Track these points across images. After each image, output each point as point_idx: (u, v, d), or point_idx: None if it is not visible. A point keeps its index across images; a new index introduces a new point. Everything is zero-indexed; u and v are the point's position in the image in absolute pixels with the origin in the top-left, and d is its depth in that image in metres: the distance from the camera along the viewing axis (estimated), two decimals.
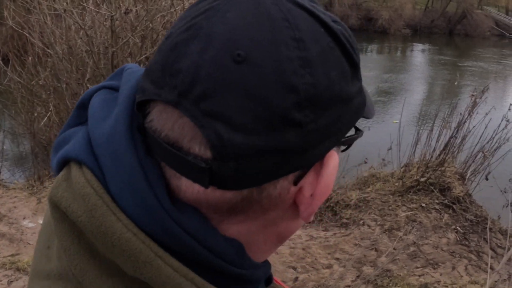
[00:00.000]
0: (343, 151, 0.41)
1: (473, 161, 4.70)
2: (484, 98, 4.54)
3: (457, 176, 4.65)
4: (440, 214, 4.20)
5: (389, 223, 3.95)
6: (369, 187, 4.65)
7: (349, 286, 3.07)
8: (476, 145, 4.59)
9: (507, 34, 28.90)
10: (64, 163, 0.38)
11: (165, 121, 0.34)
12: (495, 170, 4.50)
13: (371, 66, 16.43)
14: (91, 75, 4.65)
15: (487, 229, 3.78)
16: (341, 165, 4.65)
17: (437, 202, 4.34)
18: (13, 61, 5.12)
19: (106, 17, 4.41)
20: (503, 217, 4.39)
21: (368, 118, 0.40)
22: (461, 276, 3.45)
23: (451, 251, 3.74)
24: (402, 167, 4.86)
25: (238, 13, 0.32)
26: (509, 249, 3.47)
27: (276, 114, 0.32)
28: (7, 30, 6.45)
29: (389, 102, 10.39)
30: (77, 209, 0.34)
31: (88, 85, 4.58)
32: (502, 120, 4.43)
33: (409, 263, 3.46)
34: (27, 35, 4.91)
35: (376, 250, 3.56)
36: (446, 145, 4.55)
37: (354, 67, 0.37)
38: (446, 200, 4.36)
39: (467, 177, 4.80)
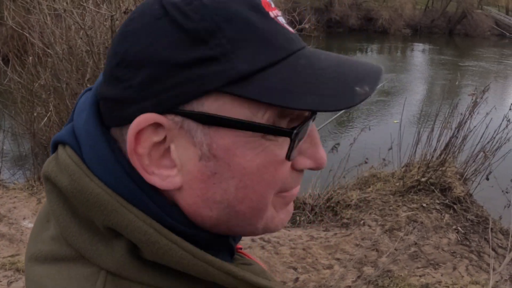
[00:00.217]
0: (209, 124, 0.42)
1: (473, 161, 4.69)
2: (485, 98, 4.53)
3: (457, 176, 4.64)
4: (441, 214, 4.19)
5: (390, 223, 3.94)
6: (369, 187, 4.64)
7: (349, 286, 3.07)
8: (477, 145, 4.58)
9: (507, 34, 28.89)
10: (55, 146, 0.48)
11: None
12: (495, 170, 4.50)
13: None
14: (91, 75, 4.64)
15: (489, 230, 3.77)
16: (342, 164, 4.65)
17: (438, 202, 4.33)
18: (13, 61, 5.12)
19: (106, 17, 4.40)
20: (504, 217, 4.39)
21: (241, 95, 0.40)
22: (462, 277, 3.44)
23: (452, 251, 3.73)
24: (402, 167, 4.85)
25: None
26: (511, 249, 3.46)
27: (108, 72, 0.44)
28: (7, 30, 6.45)
29: (389, 102, 10.38)
30: (62, 179, 0.44)
31: (88, 85, 4.58)
32: (503, 120, 4.41)
33: (410, 263, 3.45)
34: (27, 35, 4.91)
35: (377, 250, 3.55)
36: (446, 145, 4.54)
37: (189, 35, 0.40)
38: (447, 200, 4.35)
39: (467, 177, 4.79)
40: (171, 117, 0.42)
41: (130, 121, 0.42)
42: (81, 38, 4.67)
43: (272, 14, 0.43)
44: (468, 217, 4.24)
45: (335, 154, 4.78)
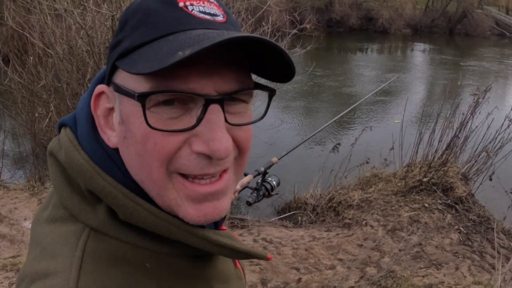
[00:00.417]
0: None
1: (475, 161, 4.68)
2: (487, 98, 4.52)
3: (459, 176, 4.63)
4: (443, 214, 4.18)
5: (392, 224, 3.93)
6: (371, 187, 4.63)
7: (352, 287, 3.05)
8: (479, 145, 4.57)
9: (508, 34, 28.87)
10: (59, 128, 0.58)
11: None
12: (497, 170, 4.48)
13: (372, 65, 16.41)
14: (91, 75, 4.63)
15: (494, 230, 3.76)
16: (343, 165, 4.64)
17: (440, 202, 4.32)
18: (13, 61, 5.10)
19: (107, 16, 4.38)
20: (507, 217, 4.38)
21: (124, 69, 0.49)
22: (465, 277, 3.42)
23: (454, 251, 3.72)
24: (404, 167, 4.83)
25: None
26: None
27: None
28: (7, 30, 6.44)
29: (390, 102, 10.37)
30: (61, 154, 0.54)
31: (89, 85, 4.55)
32: (505, 120, 4.40)
33: (412, 263, 3.43)
34: (28, 35, 4.89)
35: (379, 250, 3.53)
36: (448, 145, 4.53)
37: (119, 26, 0.53)
38: (449, 200, 4.34)
39: (469, 177, 4.78)
40: (111, 88, 0.53)
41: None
42: (82, 38, 4.65)
43: (182, 4, 0.49)
44: (470, 217, 4.23)
45: (336, 154, 4.76)
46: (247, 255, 0.57)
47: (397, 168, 4.92)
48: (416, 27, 28.30)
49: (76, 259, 0.49)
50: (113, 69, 0.52)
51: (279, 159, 1.54)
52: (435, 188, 4.42)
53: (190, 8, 0.49)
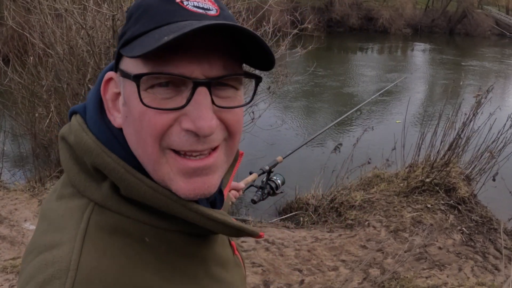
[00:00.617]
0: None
1: (478, 161, 4.65)
2: (489, 98, 4.49)
3: (462, 177, 4.60)
4: (446, 215, 4.16)
5: (395, 224, 3.90)
6: (373, 187, 4.61)
7: None
8: (481, 145, 4.54)
9: (508, 34, 28.86)
10: (70, 116, 0.64)
11: None
12: (499, 170, 4.46)
13: (373, 65, 16.39)
14: (92, 75, 4.60)
15: (497, 231, 3.74)
16: (345, 165, 4.62)
17: (443, 203, 4.30)
18: (13, 61, 5.08)
19: (107, 16, 4.36)
20: (509, 218, 4.35)
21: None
22: (468, 278, 3.40)
23: (457, 252, 3.70)
24: (406, 168, 4.81)
25: None
26: None
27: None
28: (7, 31, 6.41)
29: (391, 102, 10.34)
30: (70, 137, 0.60)
31: (89, 85, 4.54)
32: (507, 120, 4.37)
33: (415, 264, 3.41)
34: (28, 35, 4.86)
35: (382, 251, 3.51)
36: (450, 145, 4.50)
37: (126, 18, 0.60)
38: (452, 201, 4.32)
39: (472, 177, 4.75)
40: (118, 74, 0.59)
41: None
42: (82, 38, 4.63)
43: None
44: (472, 217, 4.20)
45: (338, 155, 4.74)
46: (239, 231, 0.60)
47: (399, 169, 4.90)
48: (416, 27, 28.29)
49: (81, 230, 0.54)
50: (119, 57, 0.59)
51: (284, 158, 1.54)
52: (437, 188, 4.40)
53: (185, 3, 0.56)
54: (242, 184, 1.16)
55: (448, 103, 4.91)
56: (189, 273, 0.60)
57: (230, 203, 1.09)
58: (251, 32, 0.53)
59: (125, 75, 0.56)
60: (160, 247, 0.58)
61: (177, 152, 0.55)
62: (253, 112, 5.33)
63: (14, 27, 5.07)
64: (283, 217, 4.37)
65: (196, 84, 0.53)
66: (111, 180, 0.56)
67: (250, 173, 1.36)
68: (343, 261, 3.37)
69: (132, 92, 0.55)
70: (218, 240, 0.68)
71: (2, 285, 2.70)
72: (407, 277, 3.20)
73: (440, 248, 3.68)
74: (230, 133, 0.59)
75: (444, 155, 4.52)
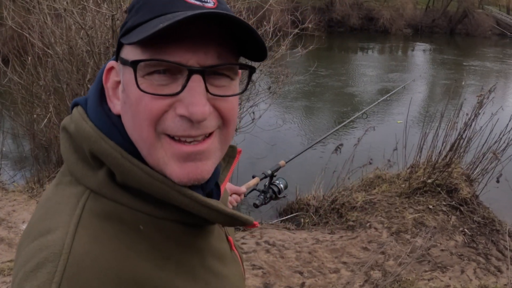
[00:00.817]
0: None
1: (480, 162, 4.62)
2: (491, 98, 4.46)
3: (464, 178, 4.57)
4: (448, 216, 4.12)
5: (396, 226, 3.87)
6: (374, 188, 4.57)
7: None
8: (483, 145, 4.51)
9: (508, 34, 28.83)
10: (72, 108, 0.66)
11: None
12: (502, 171, 4.42)
13: (374, 65, 16.36)
14: (91, 75, 4.58)
15: (499, 232, 3.70)
16: (346, 166, 4.58)
17: (444, 204, 4.26)
18: (13, 61, 5.05)
19: (107, 16, 4.33)
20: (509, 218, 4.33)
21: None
22: (471, 280, 3.37)
23: (459, 253, 3.66)
24: (408, 168, 4.78)
25: None
26: None
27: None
28: (6, 31, 6.39)
29: (392, 102, 10.30)
30: (71, 126, 0.62)
31: (89, 85, 4.51)
32: (510, 120, 4.33)
33: (417, 266, 3.38)
34: (27, 35, 4.84)
35: (383, 253, 3.48)
36: (452, 146, 4.46)
37: (128, 10, 0.62)
38: (454, 202, 4.28)
39: (474, 178, 4.72)
40: (118, 62, 0.61)
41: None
42: (82, 38, 4.60)
43: None
44: (474, 218, 4.17)
45: (339, 155, 4.70)
46: (233, 218, 0.61)
47: (401, 169, 4.86)
48: (417, 27, 28.28)
49: (75, 216, 0.55)
50: (119, 46, 0.62)
51: (286, 163, 1.52)
52: (439, 189, 4.37)
53: None
54: (243, 188, 1.15)
55: (449, 103, 4.87)
56: (184, 262, 0.61)
57: (231, 206, 1.07)
58: (242, 21, 0.55)
59: (124, 62, 0.58)
60: (155, 236, 0.58)
61: (171, 137, 0.57)
62: (253, 113, 5.30)
63: (14, 27, 5.04)
64: (284, 218, 4.34)
65: (191, 71, 0.55)
66: (107, 168, 0.58)
67: (253, 177, 1.36)
68: (344, 263, 3.33)
69: (130, 79, 0.57)
70: (214, 232, 0.69)
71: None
72: (409, 279, 3.17)
73: (442, 249, 3.64)
74: (224, 121, 0.61)
75: (445, 156, 4.49)
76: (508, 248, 3.77)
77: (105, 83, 0.64)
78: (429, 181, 4.40)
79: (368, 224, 3.91)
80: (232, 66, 0.60)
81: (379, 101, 3.44)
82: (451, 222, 4.05)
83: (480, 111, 4.37)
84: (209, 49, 0.56)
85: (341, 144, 4.90)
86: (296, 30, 5.35)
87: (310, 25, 5.93)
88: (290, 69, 6.05)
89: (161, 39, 0.54)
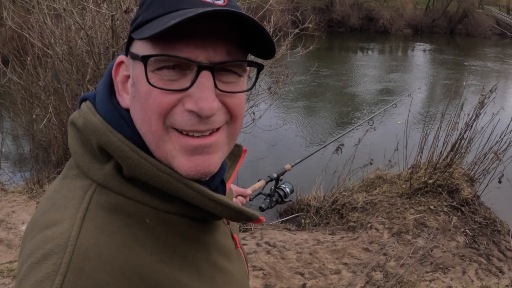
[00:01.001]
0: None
1: (481, 162, 4.60)
2: (492, 98, 4.44)
3: (465, 178, 4.55)
4: (449, 216, 4.11)
5: (398, 226, 3.85)
6: (375, 189, 4.55)
7: None
8: (485, 146, 4.49)
9: (508, 34, 28.83)
10: (80, 103, 0.67)
11: None
12: (503, 171, 4.41)
13: (374, 65, 16.35)
14: (91, 75, 4.56)
15: (501, 233, 3.69)
16: (346, 166, 4.56)
17: (446, 204, 4.24)
18: (12, 62, 5.03)
19: (106, 16, 4.32)
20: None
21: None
22: (472, 281, 3.35)
23: (460, 254, 3.65)
24: (409, 169, 4.76)
25: None
26: None
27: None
28: (6, 31, 6.37)
29: (392, 102, 10.29)
30: (79, 120, 0.63)
31: (88, 86, 4.49)
32: (511, 120, 4.31)
33: (419, 267, 3.36)
34: (27, 35, 4.82)
35: (385, 254, 3.46)
36: (453, 146, 4.45)
37: (139, 5, 0.63)
38: (455, 202, 4.26)
39: (475, 178, 4.70)
40: (128, 57, 0.62)
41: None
42: (81, 38, 4.59)
43: None
44: (476, 219, 4.15)
45: (339, 155, 4.68)
46: (239, 213, 0.62)
47: (402, 170, 4.84)
48: (417, 27, 28.27)
49: (82, 209, 0.55)
50: (130, 41, 0.63)
51: (292, 166, 1.53)
52: (440, 190, 4.35)
53: None
54: (249, 191, 1.16)
55: (450, 104, 4.85)
56: (189, 257, 0.61)
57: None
58: (252, 19, 0.56)
59: (135, 57, 0.59)
60: (161, 229, 0.59)
61: (180, 131, 0.58)
62: (253, 113, 5.29)
63: (14, 27, 5.02)
64: (284, 219, 4.32)
65: (200, 68, 0.56)
66: (114, 161, 0.59)
67: (258, 180, 1.36)
68: (345, 264, 3.31)
69: (140, 73, 0.58)
70: (220, 229, 0.70)
71: None
72: (411, 280, 3.15)
73: (443, 250, 3.62)
74: (232, 117, 0.62)
75: (446, 156, 4.47)
76: (510, 248, 3.75)
77: (115, 77, 0.65)
78: (430, 181, 4.38)
79: (369, 224, 3.89)
80: (240, 63, 0.60)
81: (385, 108, 3.43)
82: (452, 222, 4.04)
83: (481, 111, 4.35)
84: (218, 46, 0.57)
85: (342, 144, 4.87)
86: (296, 30, 5.33)
87: (310, 25, 5.91)
88: (290, 69, 6.03)
89: (171, 35, 0.55)
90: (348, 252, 3.46)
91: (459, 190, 4.38)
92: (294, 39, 5.41)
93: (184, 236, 0.61)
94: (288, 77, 5.87)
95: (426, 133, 4.68)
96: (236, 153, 0.81)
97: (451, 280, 3.30)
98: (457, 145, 4.44)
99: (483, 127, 4.43)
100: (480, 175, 4.67)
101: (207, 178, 0.63)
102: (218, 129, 0.60)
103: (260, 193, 1.36)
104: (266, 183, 1.39)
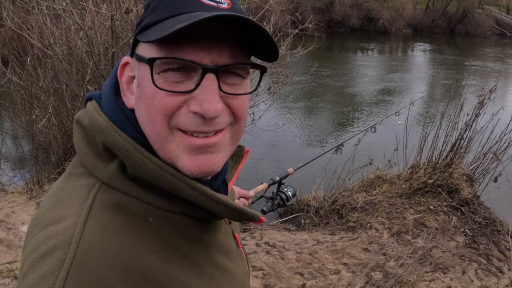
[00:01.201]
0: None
1: (481, 162, 4.60)
2: (492, 98, 4.44)
3: (464, 178, 4.55)
4: (449, 216, 4.11)
5: (397, 227, 3.85)
6: (375, 189, 4.55)
7: None
8: (484, 145, 4.49)
9: (508, 34, 28.84)
10: (86, 102, 0.68)
11: None
12: (502, 171, 4.41)
13: (374, 65, 16.35)
14: (91, 76, 4.57)
15: (500, 233, 3.68)
16: (346, 166, 4.56)
17: (445, 204, 4.24)
18: (12, 62, 5.03)
19: (106, 17, 4.32)
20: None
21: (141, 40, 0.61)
22: (472, 281, 3.35)
23: (460, 254, 3.65)
24: (408, 169, 4.76)
25: None
26: None
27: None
28: (6, 32, 6.37)
29: (393, 102, 10.29)
30: (85, 119, 0.64)
31: (88, 86, 4.49)
32: (511, 120, 4.31)
33: (418, 267, 3.36)
34: (27, 36, 4.82)
35: (384, 254, 3.46)
36: (453, 146, 4.44)
37: (144, 7, 0.64)
38: (454, 202, 4.26)
39: (474, 178, 4.70)
40: (133, 59, 0.64)
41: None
42: (81, 39, 4.59)
43: None
44: (475, 219, 4.15)
45: (339, 156, 4.68)
46: (240, 213, 0.63)
47: (401, 170, 4.84)
48: (417, 27, 28.27)
49: (86, 206, 0.56)
50: (135, 43, 0.64)
51: (295, 170, 1.54)
52: (440, 190, 4.35)
53: None
54: (251, 193, 1.17)
55: (450, 104, 4.85)
56: (191, 256, 0.62)
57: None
58: (256, 23, 0.57)
59: (140, 59, 0.60)
60: (164, 228, 0.60)
61: (184, 131, 0.59)
62: (253, 113, 5.29)
63: (13, 28, 5.03)
64: (284, 219, 4.32)
65: (205, 70, 0.58)
66: (119, 160, 0.60)
67: (261, 183, 1.38)
68: (345, 264, 3.31)
69: (146, 75, 0.59)
70: (221, 228, 0.71)
71: None
72: (410, 280, 3.15)
73: (443, 250, 3.62)
74: (235, 118, 0.63)
75: (446, 156, 4.47)
76: (510, 248, 3.75)
77: (120, 78, 0.66)
78: (430, 181, 4.38)
79: (369, 225, 3.89)
80: (244, 66, 0.62)
81: (387, 116, 3.44)
82: (452, 222, 4.04)
83: (480, 111, 4.35)
84: (223, 49, 0.59)
85: (342, 145, 4.87)
86: (296, 31, 5.33)
87: (310, 26, 5.92)
88: (290, 69, 6.04)
89: (177, 38, 0.56)
90: (347, 252, 3.46)
91: (458, 190, 4.37)
92: (294, 39, 5.41)
93: (186, 235, 0.62)
94: (288, 78, 5.87)
95: (426, 133, 4.68)
96: (238, 154, 0.82)
97: (451, 280, 3.30)
98: (456, 145, 4.44)
99: (482, 127, 4.42)
100: (479, 175, 4.67)
101: (210, 178, 0.65)
102: (222, 129, 0.62)
103: (262, 196, 1.38)
104: (269, 186, 1.41)
